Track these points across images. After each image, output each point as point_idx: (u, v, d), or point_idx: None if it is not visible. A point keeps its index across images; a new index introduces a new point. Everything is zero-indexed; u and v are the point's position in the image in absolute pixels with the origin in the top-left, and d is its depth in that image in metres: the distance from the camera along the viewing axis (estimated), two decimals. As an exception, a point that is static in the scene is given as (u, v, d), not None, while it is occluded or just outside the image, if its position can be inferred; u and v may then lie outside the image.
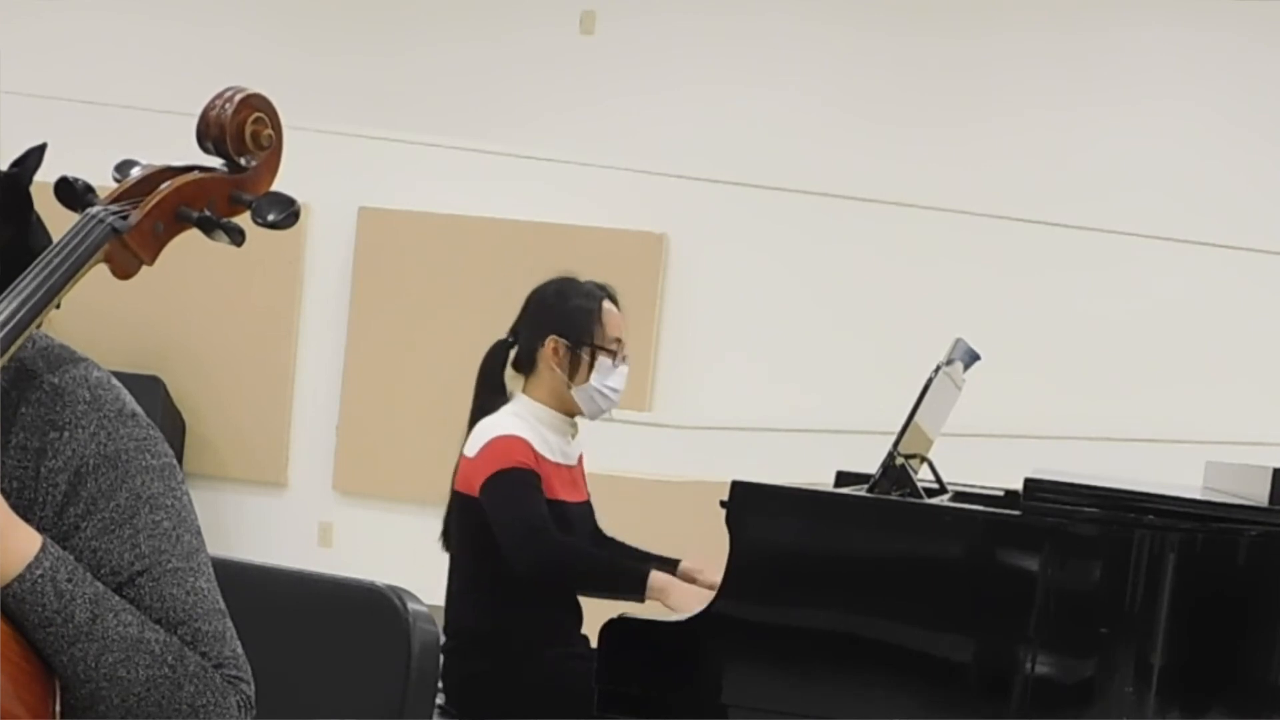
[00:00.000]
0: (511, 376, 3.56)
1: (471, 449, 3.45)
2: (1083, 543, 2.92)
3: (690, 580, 3.60)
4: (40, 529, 1.45)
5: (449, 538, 3.56)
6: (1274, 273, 6.07)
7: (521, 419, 3.47)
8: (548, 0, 6.86)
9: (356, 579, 2.00)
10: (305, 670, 1.91)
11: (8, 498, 1.43)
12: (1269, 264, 6.07)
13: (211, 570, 1.53)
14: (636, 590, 3.40)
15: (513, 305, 3.65)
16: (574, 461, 3.60)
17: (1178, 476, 3.87)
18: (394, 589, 1.96)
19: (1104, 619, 2.91)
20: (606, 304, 3.55)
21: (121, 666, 1.42)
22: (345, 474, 6.91)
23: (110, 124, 6.80)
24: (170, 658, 1.44)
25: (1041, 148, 6.31)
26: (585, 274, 3.65)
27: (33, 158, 1.58)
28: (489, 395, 3.54)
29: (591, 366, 3.49)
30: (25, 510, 1.46)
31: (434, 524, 3.62)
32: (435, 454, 3.63)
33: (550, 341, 3.49)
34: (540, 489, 3.40)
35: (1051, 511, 2.92)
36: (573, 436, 3.59)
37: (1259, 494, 2.97)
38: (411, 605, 1.94)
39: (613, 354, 3.52)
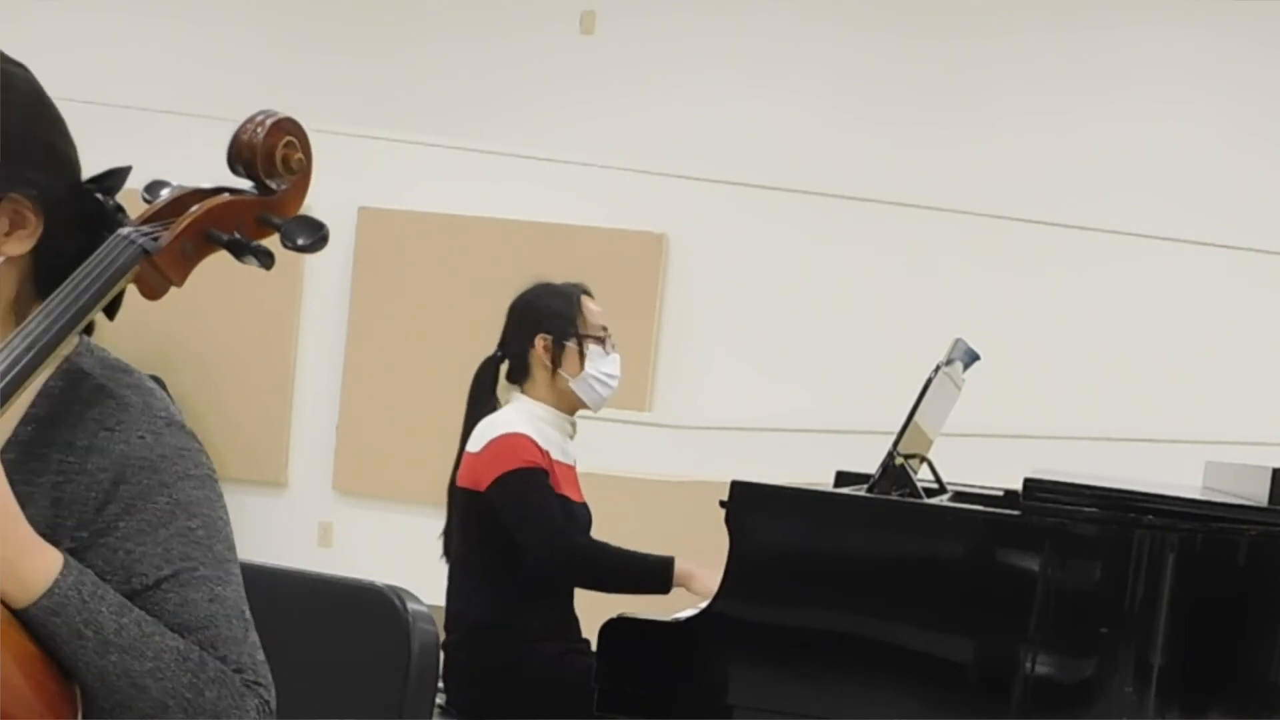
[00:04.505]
0: (506, 389, 3.59)
1: (475, 445, 3.47)
2: (1083, 543, 2.92)
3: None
4: (79, 523, 1.48)
5: (449, 542, 3.57)
6: (1274, 273, 6.07)
7: (524, 415, 3.49)
8: (548, 0, 6.86)
9: (356, 579, 2.00)
10: (305, 670, 1.91)
11: (52, 490, 1.48)
12: (1269, 264, 6.07)
13: (241, 582, 1.55)
14: (663, 580, 3.41)
15: (513, 307, 3.66)
16: (573, 462, 3.61)
17: (1178, 476, 3.88)
18: (394, 589, 1.96)
19: (1104, 619, 2.91)
20: (584, 298, 3.58)
21: (147, 676, 1.43)
22: (345, 474, 6.91)
23: (110, 124, 6.79)
24: (191, 663, 1.46)
25: (1041, 148, 6.30)
26: (585, 274, 3.68)
27: (117, 177, 1.60)
28: (482, 411, 3.55)
29: (582, 355, 3.52)
30: (67, 504, 1.49)
31: (434, 524, 3.62)
32: (435, 454, 3.63)
33: (539, 340, 3.52)
34: (550, 485, 3.42)
35: (1051, 511, 2.92)
36: (571, 437, 3.60)
37: (1259, 494, 2.97)
38: (411, 605, 1.93)
39: (601, 341, 3.54)
